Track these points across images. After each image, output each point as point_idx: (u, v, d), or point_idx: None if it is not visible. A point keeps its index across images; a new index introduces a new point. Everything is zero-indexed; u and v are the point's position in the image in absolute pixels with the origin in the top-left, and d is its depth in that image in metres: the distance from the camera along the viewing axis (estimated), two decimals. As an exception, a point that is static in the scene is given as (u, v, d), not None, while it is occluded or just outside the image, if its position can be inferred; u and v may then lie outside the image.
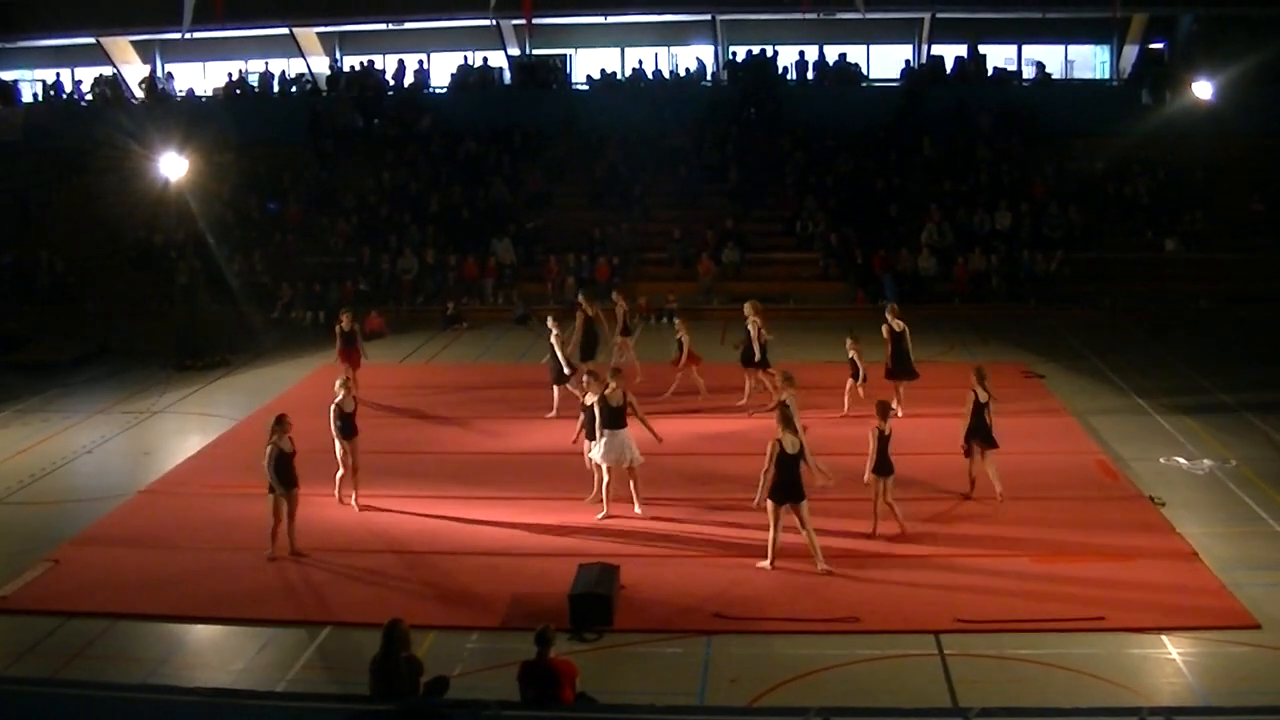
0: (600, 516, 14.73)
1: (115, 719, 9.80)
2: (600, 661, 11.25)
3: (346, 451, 15.12)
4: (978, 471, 15.17)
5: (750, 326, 19.10)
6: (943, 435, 16.13)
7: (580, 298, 21.37)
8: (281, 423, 13.88)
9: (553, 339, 19.00)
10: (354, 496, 15.26)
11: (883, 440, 13.97)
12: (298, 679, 11.12)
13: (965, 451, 15.12)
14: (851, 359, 18.67)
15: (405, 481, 16.10)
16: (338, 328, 20.59)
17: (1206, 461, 16.65)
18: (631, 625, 11.97)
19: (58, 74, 38.11)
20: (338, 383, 15.53)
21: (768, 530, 13.07)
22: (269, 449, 13.70)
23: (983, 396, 14.88)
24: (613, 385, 14.73)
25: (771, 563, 13.12)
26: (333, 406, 15.13)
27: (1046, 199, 30.12)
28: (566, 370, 18.75)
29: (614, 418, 14.59)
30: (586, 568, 12.51)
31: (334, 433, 15.07)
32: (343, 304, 27.25)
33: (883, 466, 13.96)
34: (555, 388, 19.04)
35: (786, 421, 13.32)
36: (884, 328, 18.88)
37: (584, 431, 15.29)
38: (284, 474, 13.67)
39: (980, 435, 14.91)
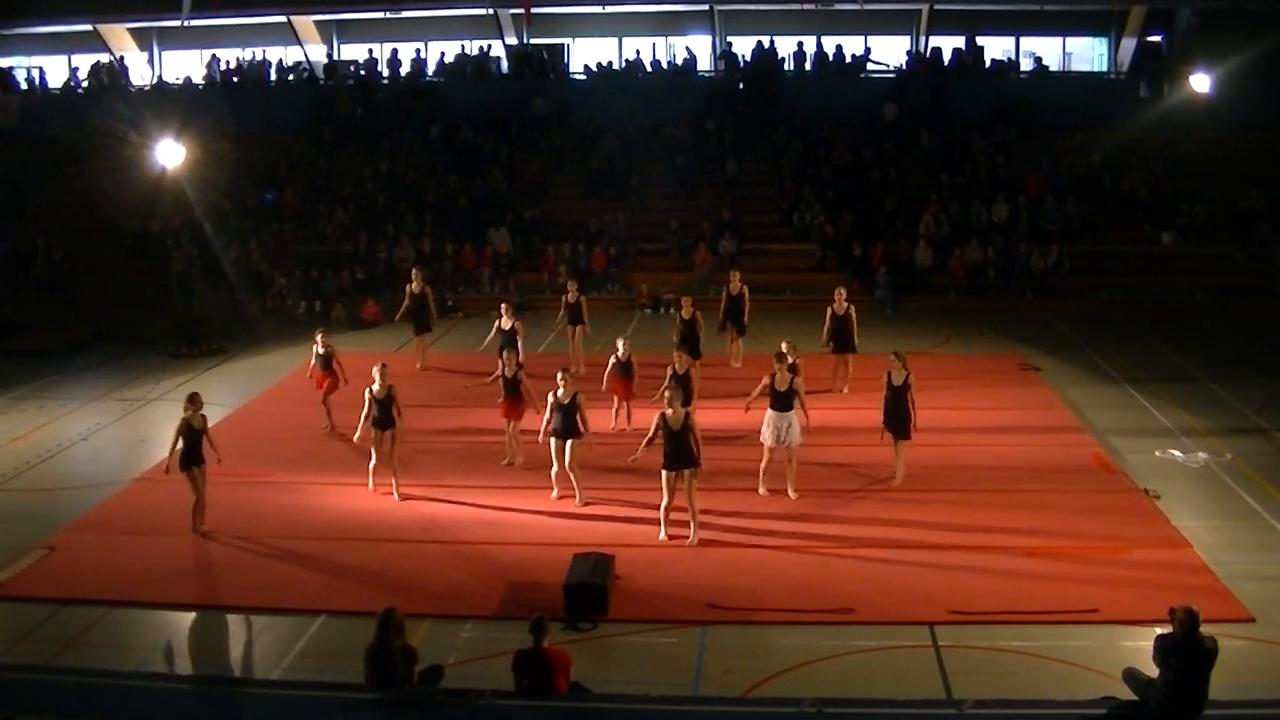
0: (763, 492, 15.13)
1: (110, 707, 9.80)
2: (595, 651, 11.27)
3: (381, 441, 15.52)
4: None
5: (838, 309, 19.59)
6: (933, 426, 16.10)
7: (570, 285, 21.85)
8: (195, 400, 14.28)
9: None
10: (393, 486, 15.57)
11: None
12: (292, 667, 11.13)
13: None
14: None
15: (399, 470, 16.05)
16: (315, 348, 18.49)
17: (1202, 455, 16.67)
18: (626, 615, 11.99)
19: (42, 68, 38.06)
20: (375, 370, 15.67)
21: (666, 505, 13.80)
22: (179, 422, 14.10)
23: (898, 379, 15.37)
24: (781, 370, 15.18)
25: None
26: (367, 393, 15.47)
27: (1043, 192, 30.10)
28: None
29: (780, 401, 14.98)
30: (581, 557, 12.54)
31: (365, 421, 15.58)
32: (338, 296, 27.40)
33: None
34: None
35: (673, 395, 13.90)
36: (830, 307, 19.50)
37: (549, 426, 15.14)
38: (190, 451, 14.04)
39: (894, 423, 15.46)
